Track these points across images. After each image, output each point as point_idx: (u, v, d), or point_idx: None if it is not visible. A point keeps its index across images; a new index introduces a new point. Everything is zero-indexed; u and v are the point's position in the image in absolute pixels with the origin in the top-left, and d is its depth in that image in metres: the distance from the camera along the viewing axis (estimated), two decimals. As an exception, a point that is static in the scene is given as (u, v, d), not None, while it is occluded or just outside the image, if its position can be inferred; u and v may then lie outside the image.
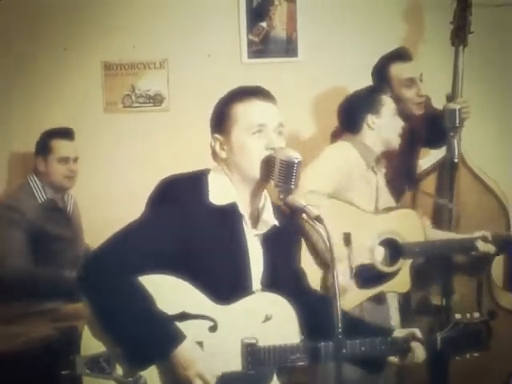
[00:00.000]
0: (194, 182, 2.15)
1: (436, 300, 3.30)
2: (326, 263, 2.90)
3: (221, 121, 2.17)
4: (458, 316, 2.30)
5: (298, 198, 2.08)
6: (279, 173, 2.06)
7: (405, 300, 3.18)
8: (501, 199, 3.44)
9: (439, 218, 3.39)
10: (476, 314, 2.31)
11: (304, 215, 2.05)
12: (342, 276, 2.87)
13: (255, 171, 2.12)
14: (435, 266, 3.25)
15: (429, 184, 3.50)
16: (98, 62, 4.05)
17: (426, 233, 3.10)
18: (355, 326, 2.19)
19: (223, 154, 2.17)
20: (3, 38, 3.96)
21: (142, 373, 2.03)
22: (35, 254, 3.44)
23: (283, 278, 2.21)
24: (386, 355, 2.22)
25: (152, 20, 4.01)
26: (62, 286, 3.27)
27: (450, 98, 3.41)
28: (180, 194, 2.10)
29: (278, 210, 2.23)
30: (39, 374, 2.90)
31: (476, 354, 2.30)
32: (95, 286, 2.02)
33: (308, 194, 2.73)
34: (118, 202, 3.78)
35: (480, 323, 2.30)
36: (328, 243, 1.98)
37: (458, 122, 3.33)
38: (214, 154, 2.21)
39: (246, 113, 2.13)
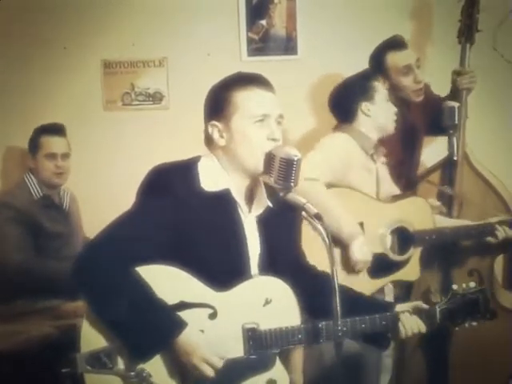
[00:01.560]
0: (184, 170, 2.14)
1: (435, 297, 3.30)
2: (341, 240, 2.89)
3: (220, 107, 2.14)
4: (454, 287, 2.30)
5: (298, 196, 2.08)
6: (279, 170, 2.06)
7: (403, 298, 3.18)
8: (504, 198, 3.44)
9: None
10: (472, 284, 2.32)
11: (303, 213, 2.05)
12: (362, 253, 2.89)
13: (255, 160, 2.11)
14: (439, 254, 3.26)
15: (432, 180, 3.50)
16: (98, 61, 4.05)
17: (437, 220, 3.11)
18: (355, 302, 2.21)
19: (222, 142, 2.14)
20: (3, 36, 3.96)
21: (144, 366, 2.02)
22: (33, 251, 3.44)
23: (282, 258, 2.21)
24: (387, 331, 2.23)
25: (151, 18, 4.01)
26: (61, 282, 3.27)
27: (458, 73, 3.41)
28: (171, 182, 2.09)
29: (270, 192, 2.20)
30: (39, 372, 2.90)
31: (474, 324, 2.30)
32: (91, 278, 2.01)
33: (306, 181, 2.70)
34: (118, 200, 3.77)
35: (476, 292, 2.30)
36: (327, 241, 1.98)
37: (457, 119, 3.33)
38: (209, 141, 2.18)
39: (249, 101, 2.12)
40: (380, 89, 3.09)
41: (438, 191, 3.45)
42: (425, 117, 3.51)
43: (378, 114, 3.07)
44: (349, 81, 3.16)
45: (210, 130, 2.16)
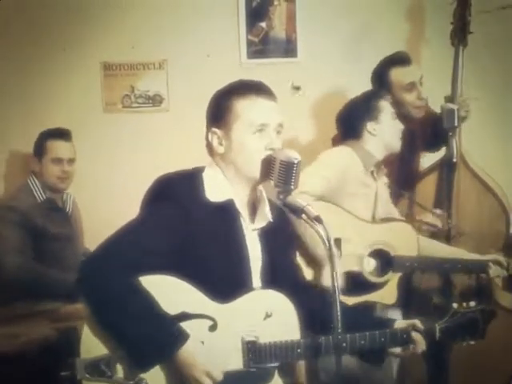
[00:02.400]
0: (190, 180, 2.14)
1: (437, 300, 3.30)
2: (316, 262, 2.87)
3: (221, 115, 2.14)
4: (455, 305, 2.30)
5: (298, 198, 2.08)
6: (279, 173, 2.06)
7: (406, 299, 3.18)
8: (501, 199, 3.44)
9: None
10: (472, 303, 2.32)
11: (303, 215, 2.05)
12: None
13: (253, 170, 2.11)
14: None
15: (429, 184, 3.50)
16: (98, 63, 4.05)
17: (437, 248, 3.10)
18: (355, 318, 2.19)
19: (221, 150, 2.15)
20: (3, 38, 3.96)
21: (144, 375, 2.01)
22: (35, 254, 3.44)
23: (281, 272, 2.21)
24: (386, 347, 2.22)
25: (151, 20, 4.01)
26: (61, 285, 3.27)
27: (449, 98, 3.41)
28: (176, 192, 2.09)
29: (271, 205, 2.21)
30: (39, 375, 2.90)
31: (472, 342, 2.31)
32: (95, 287, 1.99)
33: (299, 194, 2.74)
34: (118, 202, 3.78)
35: (476, 311, 2.31)
36: (328, 243, 1.98)
37: (456, 122, 3.33)
38: (210, 148, 2.18)
39: (249, 110, 2.11)
40: (385, 108, 3.07)
41: (435, 197, 3.45)
42: (423, 132, 3.51)
43: (384, 133, 3.06)
44: (354, 101, 3.14)
45: (209, 137, 2.17)
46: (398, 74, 3.37)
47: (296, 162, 2.07)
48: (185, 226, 2.05)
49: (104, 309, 1.99)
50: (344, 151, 3.05)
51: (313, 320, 2.19)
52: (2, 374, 2.95)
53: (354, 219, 2.98)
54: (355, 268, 2.95)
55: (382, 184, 3.16)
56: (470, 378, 3.29)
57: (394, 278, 3.00)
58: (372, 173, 3.09)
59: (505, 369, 3.37)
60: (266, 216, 2.18)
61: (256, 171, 2.11)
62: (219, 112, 2.14)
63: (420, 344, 2.23)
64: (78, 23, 3.99)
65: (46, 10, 4.00)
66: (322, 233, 1.99)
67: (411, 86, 3.36)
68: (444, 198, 3.40)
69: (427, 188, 3.50)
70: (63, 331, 3.10)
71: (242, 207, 2.16)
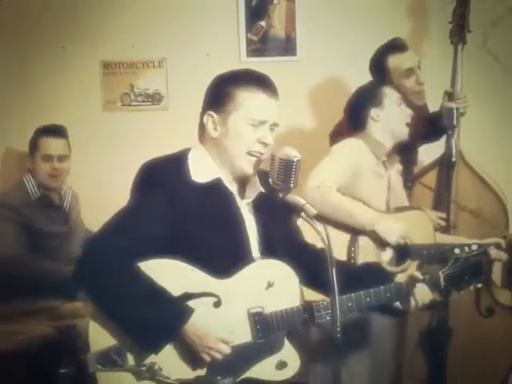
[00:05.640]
0: (175, 163, 2.14)
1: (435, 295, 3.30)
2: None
3: (221, 100, 2.13)
4: (457, 251, 2.29)
5: (297, 196, 2.09)
6: (278, 171, 2.07)
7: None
8: (500, 197, 3.45)
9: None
10: (474, 246, 2.31)
11: (303, 213, 2.06)
12: None
13: (241, 160, 2.12)
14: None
15: (428, 181, 3.50)
16: (97, 61, 4.05)
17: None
18: (353, 276, 2.21)
19: (215, 134, 2.14)
20: (2, 35, 3.96)
21: (155, 359, 2.02)
22: (30, 250, 3.43)
23: (280, 240, 2.22)
24: (392, 302, 2.23)
25: (151, 19, 4.02)
26: (60, 282, 3.26)
27: (450, 95, 3.42)
28: (162, 177, 2.10)
29: (262, 177, 2.20)
30: (38, 373, 2.91)
31: (479, 285, 2.29)
32: (94, 275, 2.00)
33: (316, 188, 2.80)
34: (117, 200, 3.77)
35: (479, 254, 2.30)
36: (326, 242, 1.99)
37: (455, 121, 3.33)
38: (203, 131, 2.18)
39: (251, 104, 2.11)
40: (390, 93, 3.09)
41: (434, 195, 3.45)
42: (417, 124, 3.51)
43: (389, 119, 3.06)
44: (359, 89, 3.16)
45: (205, 119, 2.16)
46: (395, 61, 3.38)
47: (295, 160, 2.07)
48: (174, 209, 2.05)
49: (104, 297, 2.01)
50: (354, 144, 3.06)
51: (316, 280, 2.21)
52: (0, 371, 2.95)
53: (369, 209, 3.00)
54: (373, 258, 2.95)
55: (395, 172, 3.17)
56: (470, 374, 3.30)
57: (411, 267, 3.00)
58: (384, 163, 3.10)
59: (503, 364, 3.38)
60: (255, 188, 2.18)
61: (244, 163, 2.12)
62: (220, 97, 2.14)
63: (425, 294, 2.23)
64: (77, 21, 4.00)
65: (46, 8, 4.00)
66: (322, 231, 1.99)
67: (410, 72, 3.37)
68: (443, 195, 3.40)
69: (424, 190, 3.50)
70: (62, 329, 3.11)
71: (230, 183, 2.17)
